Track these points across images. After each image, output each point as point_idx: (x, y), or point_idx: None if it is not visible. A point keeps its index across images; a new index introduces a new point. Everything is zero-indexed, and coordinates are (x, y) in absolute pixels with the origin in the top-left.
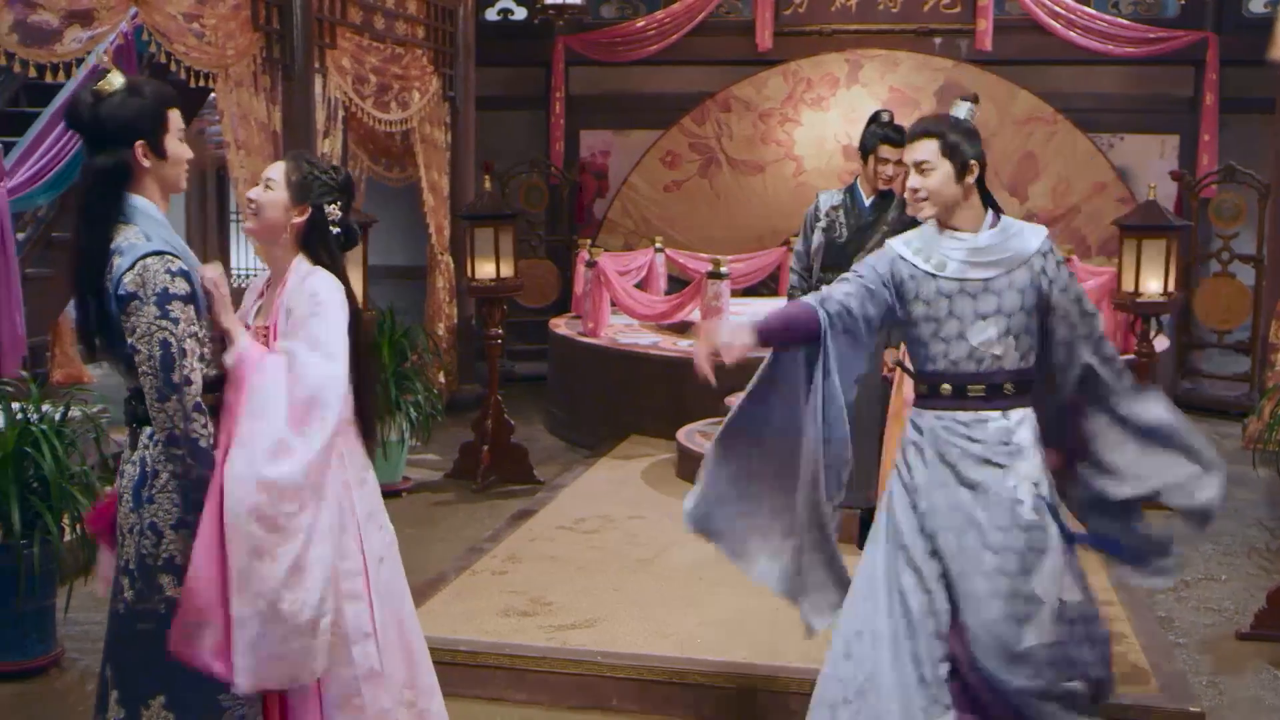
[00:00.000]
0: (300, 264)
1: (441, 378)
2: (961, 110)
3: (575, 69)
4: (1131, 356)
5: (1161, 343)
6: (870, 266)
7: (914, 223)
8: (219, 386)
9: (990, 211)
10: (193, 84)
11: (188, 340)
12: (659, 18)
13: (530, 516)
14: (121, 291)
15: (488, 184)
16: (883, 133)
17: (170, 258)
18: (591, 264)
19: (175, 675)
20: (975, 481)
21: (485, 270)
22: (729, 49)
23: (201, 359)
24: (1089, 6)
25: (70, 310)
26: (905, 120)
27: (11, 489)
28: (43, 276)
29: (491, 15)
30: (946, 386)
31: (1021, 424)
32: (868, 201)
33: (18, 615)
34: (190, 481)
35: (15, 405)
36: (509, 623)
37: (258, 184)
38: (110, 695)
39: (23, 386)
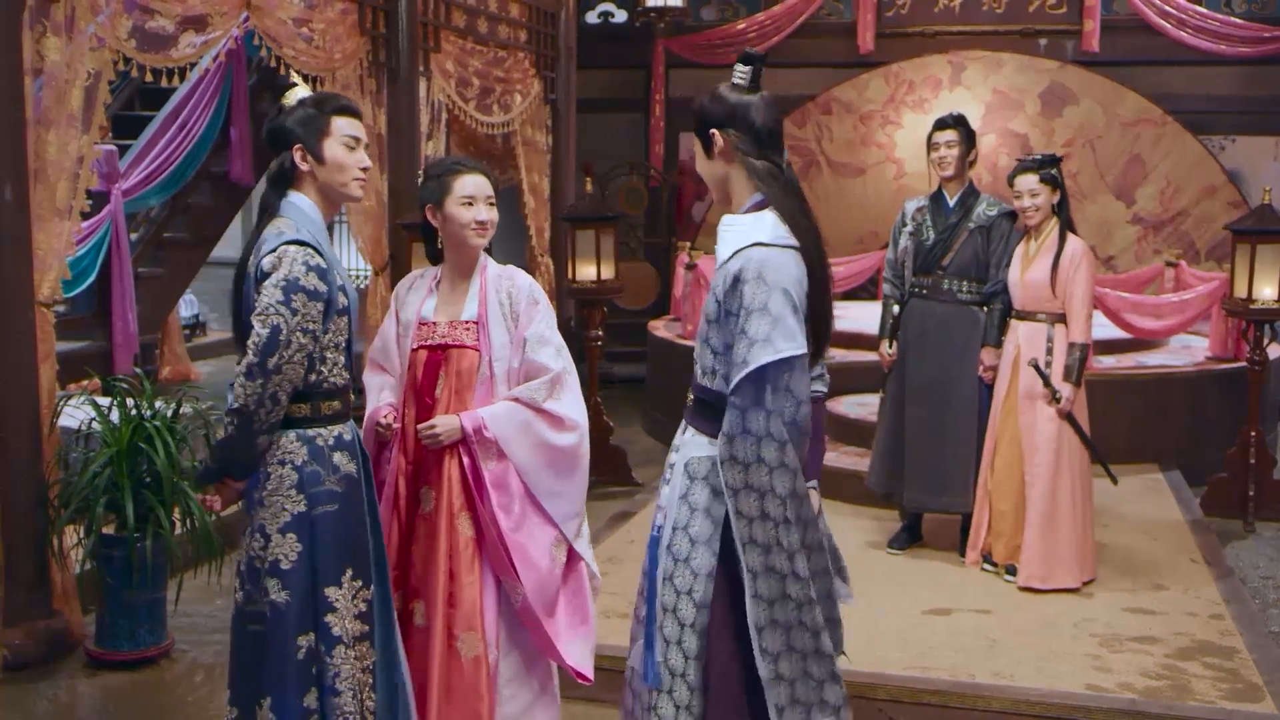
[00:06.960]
0: (491, 261)
1: None
2: None
3: (675, 71)
4: (1243, 365)
5: (1275, 350)
6: None
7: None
8: (341, 395)
9: None
10: None
11: (297, 333)
12: (760, 19)
13: (629, 519)
14: (260, 271)
15: (589, 186)
16: (935, 119)
17: (312, 251)
18: (691, 266)
19: (281, 679)
20: None
21: (586, 272)
22: (830, 51)
23: (323, 360)
24: (1201, 6)
25: (179, 308)
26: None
27: (126, 483)
28: (154, 276)
29: (592, 18)
30: None
31: None
32: (952, 201)
33: (130, 606)
34: (220, 444)
35: (129, 402)
36: (608, 624)
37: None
38: (227, 694)
39: (136, 384)
